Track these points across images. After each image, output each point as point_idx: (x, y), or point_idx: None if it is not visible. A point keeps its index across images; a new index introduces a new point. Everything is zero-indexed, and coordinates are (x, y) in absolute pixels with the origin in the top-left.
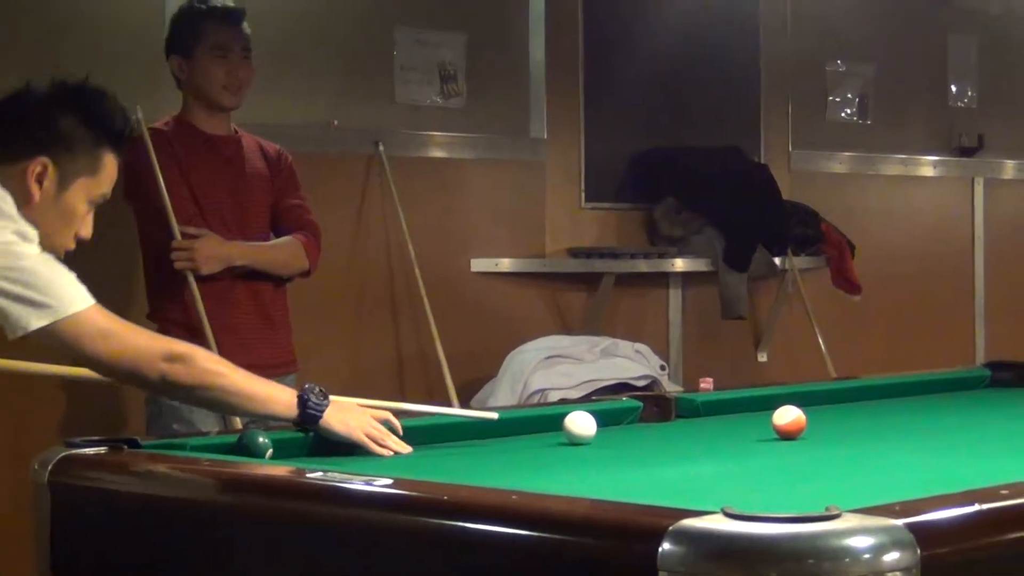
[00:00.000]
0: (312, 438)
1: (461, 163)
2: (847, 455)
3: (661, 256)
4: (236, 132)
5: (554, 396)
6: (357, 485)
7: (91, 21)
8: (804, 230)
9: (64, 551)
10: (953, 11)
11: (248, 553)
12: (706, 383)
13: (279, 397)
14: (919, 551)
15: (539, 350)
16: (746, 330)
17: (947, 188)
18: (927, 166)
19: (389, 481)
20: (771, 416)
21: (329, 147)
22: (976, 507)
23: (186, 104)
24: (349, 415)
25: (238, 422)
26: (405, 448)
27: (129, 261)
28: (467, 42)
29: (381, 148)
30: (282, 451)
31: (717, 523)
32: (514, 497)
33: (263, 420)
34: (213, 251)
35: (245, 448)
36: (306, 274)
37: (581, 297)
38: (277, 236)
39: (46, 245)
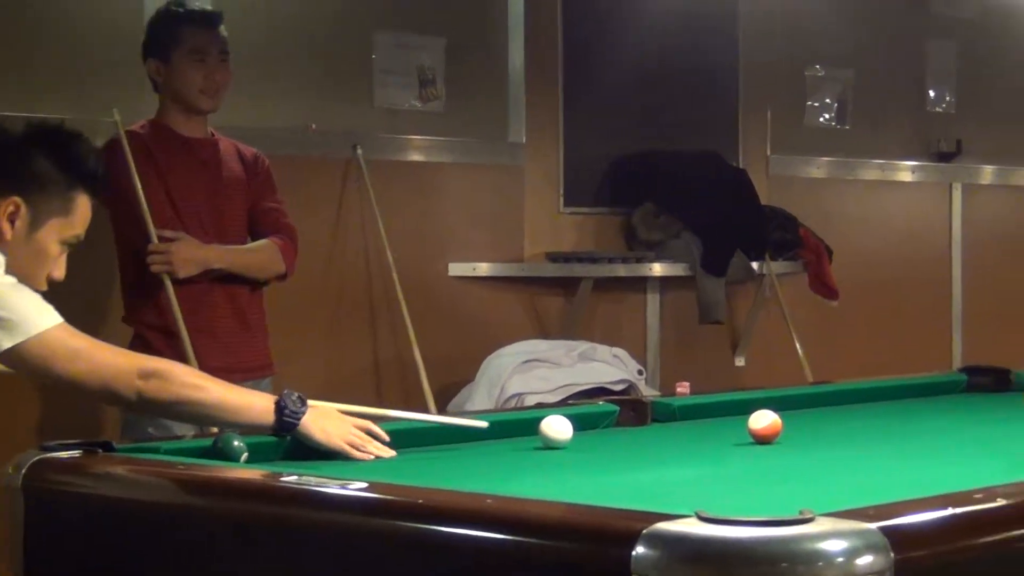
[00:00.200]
0: (288, 442)
1: (439, 167)
2: (822, 459)
3: (639, 261)
4: (213, 135)
5: (531, 400)
6: (332, 489)
7: (69, 24)
8: (782, 235)
9: (38, 555)
10: (931, 17)
11: (223, 557)
12: (682, 387)
13: (257, 405)
14: (892, 555)
15: (516, 354)
16: (723, 334)
17: (925, 193)
18: (905, 171)
19: (364, 485)
20: (747, 420)
21: (307, 150)
22: (950, 511)
23: (163, 107)
24: (328, 422)
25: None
26: (388, 453)
27: (105, 264)
28: (446, 46)
29: (359, 152)
30: (257, 455)
31: (691, 527)
32: (489, 501)
33: (242, 429)
34: (190, 254)
35: (220, 452)
36: (283, 277)
37: (559, 301)
38: (254, 239)
39: None
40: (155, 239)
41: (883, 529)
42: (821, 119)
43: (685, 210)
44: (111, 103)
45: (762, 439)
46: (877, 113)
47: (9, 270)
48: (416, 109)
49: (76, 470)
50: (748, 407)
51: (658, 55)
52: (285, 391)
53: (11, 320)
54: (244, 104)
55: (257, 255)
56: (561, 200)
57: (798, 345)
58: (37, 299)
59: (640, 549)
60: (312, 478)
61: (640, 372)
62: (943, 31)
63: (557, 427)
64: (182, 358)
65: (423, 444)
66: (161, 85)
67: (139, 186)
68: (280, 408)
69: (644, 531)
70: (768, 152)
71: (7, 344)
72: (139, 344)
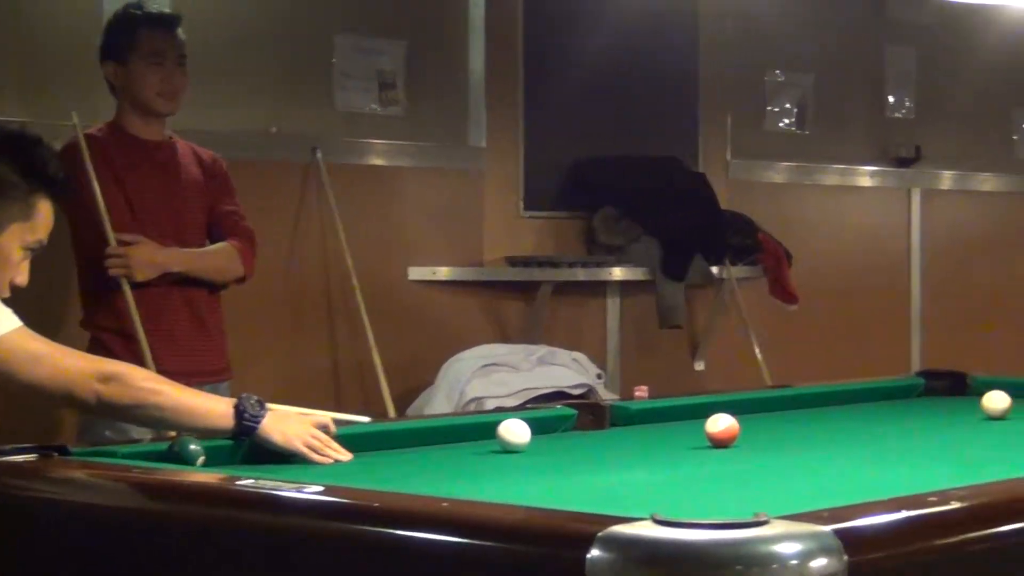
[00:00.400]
0: (246, 445)
1: (399, 171)
2: (779, 462)
3: (599, 265)
4: (171, 138)
5: (490, 404)
6: (288, 492)
7: (27, 26)
8: (741, 239)
9: None
10: (890, 22)
11: (180, 562)
12: (641, 391)
13: (216, 409)
14: (846, 557)
15: (476, 358)
16: (683, 339)
17: (884, 198)
18: (864, 176)
19: (320, 488)
20: (704, 424)
21: (267, 154)
22: (904, 514)
23: (121, 110)
24: (287, 424)
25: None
26: (345, 456)
27: (62, 268)
28: (407, 50)
29: (319, 155)
30: (214, 458)
31: (646, 529)
32: (444, 504)
33: (200, 433)
34: (148, 257)
35: (177, 455)
36: (241, 280)
37: (519, 306)
38: (212, 242)
39: None
40: (113, 242)
41: (837, 532)
42: (781, 124)
43: (645, 215)
44: (69, 106)
45: (719, 443)
46: (837, 118)
47: None
48: (376, 113)
49: (31, 474)
50: (706, 411)
51: (618, 60)
52: (244, 395)
53: None
54: (203, 107)
55: (215, 258)
56: (521, 204)
57: (757, 349)
58: None
59: (595, 552)
60: (268, 482)
61: (599, 376)
62: (902, 37)
63: (515, 431)
64: (140, 362)
65: (381, 447)
66: (118, 88)
67: (97, 189)
68: (240, 412)
69: (599, 534)
70: (728, 157)
71: None
72: (97, 348)
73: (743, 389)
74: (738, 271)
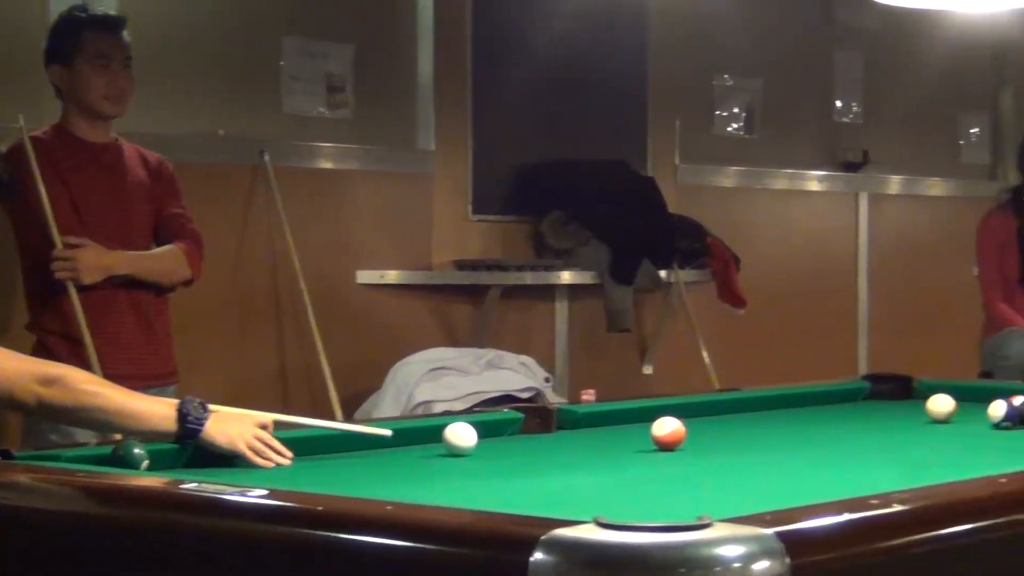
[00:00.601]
0: (189, 449)
1: (348, 174)
2: (724, 466)
3: (547, 269)
4: (117, 141)
5: (438, 408)
6: (232, 496)
7: None
8: (690, 243)
9: None
10: (838, 28)
11: (124, 566)
12: (588, 395)
13: (158, 412)
14: (788, 560)
15: (424, 362)
16: (632, 343)
17: (832, 203)
18: (813, 181)
19: (264, 492)
20: (651, 427)
21: (214, 156)
22: (846, 516)
23: (66, 113)
24: (230, 425)
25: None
26: (287, 458)
27: (7, 270)
28: (355, 53)
29: (267, 158)
30: (159, 462)
31: (589, 532)
32: (388, 507)
33: (145, 436)
34: (94, 260)
35: (121, 459)
36: (188, 283)
37: (467, 309)
38: (159, 245)
39: None
40: (59, 245)
41: (779, 534)
42: (729, 128)
43: (594, 219)
44: (15, 109)
45: (665, 446)
46: (785, 123)
47: None
48: (324, 116)
49: None
50: (653, 414)
51: (568, 64)
52: (186, 397)
53: None
54: (149, 110)
55: (162, 261)
56: (470, 208)
57: (705, 353)
58: None
59: (538, 555)
60: (212, 485)
61: (547, 380)
62: (849, 42)
63: (461, 434)
64: (86, 365)
65: (328, 451)
66: (64, 91)
67: (43, 192)
68: (183, 415)
69: (542, 537)
70: (676, 161)
71: None
72: (42, 351)
73: (691, 392)
74: (686, 275)
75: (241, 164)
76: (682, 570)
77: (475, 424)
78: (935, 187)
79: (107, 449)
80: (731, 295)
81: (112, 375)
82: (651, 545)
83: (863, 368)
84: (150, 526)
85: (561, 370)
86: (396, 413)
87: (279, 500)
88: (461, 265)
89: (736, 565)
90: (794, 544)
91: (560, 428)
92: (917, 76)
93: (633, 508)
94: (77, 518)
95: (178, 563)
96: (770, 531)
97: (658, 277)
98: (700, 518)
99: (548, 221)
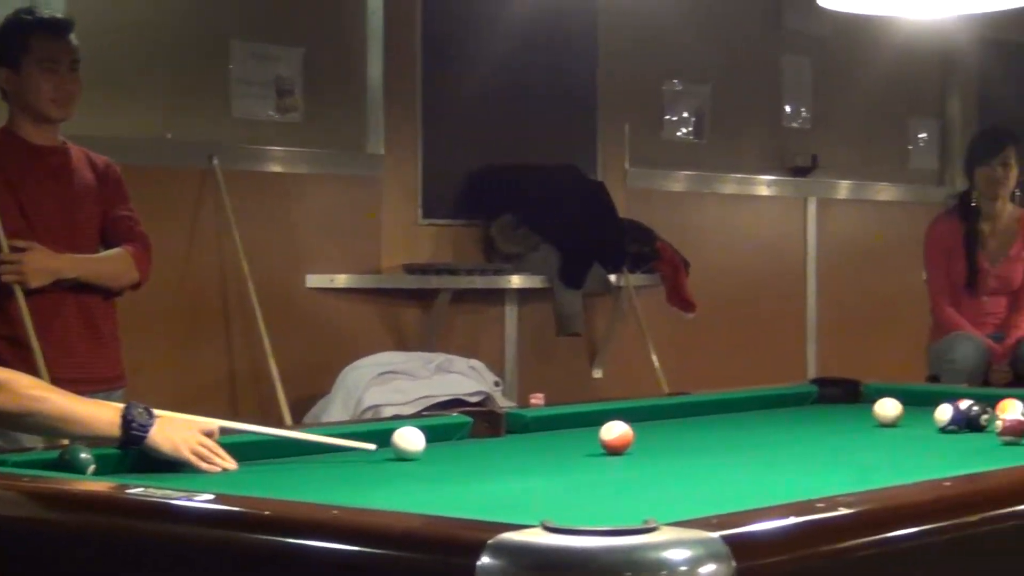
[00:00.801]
0: (136, 454)
1: (297, 178)
2: (672, 469)
3: (497, 273)
4: (65, 144)
5: (388, 412)
6: (178, 501)
7: None
8: (639, 248)
9: None
10: (787, 33)
11: (70, 571)
12: (536, 399)
13: (103, 417)
14: (734, 563)
15: (373, 366)
16: (581, 347)
17: (781, 207)
18: (762, 185)
19: (211, 496)
20: (599, 431)
21: (162, 160)
22: (792, 520)
23: (13, 116)
24: (174, 432)
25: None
26: (231, 464)
27: None
28: (304, 57)
29: (216, 162)
30: (106, 467)
31: (536, 536)
32: (335, 512)
33: (90, 441)
34: (42, 264)
35: (67, 464)
36: (136, 286)
37: (417, 313)
38: (106, 248)
39: None
40: (6, 248)
41: (725, 538)
42: (679, 133)
43: (543, 222)
44: None
45: (613, 450)
46: (734, 128)
47: None
48: (274, 120)
49: None
50: (602, 418)
51: (518, 68)
52: (131, 403)
53: None
54: (97, 113)
55: (110, 264)
56: (420, 212)
57: (654, 357)
58: None
59: (485, 559)
60: (158, 490)
61: (497, 384)
62: (798, 47)
63: (409, 438)
64: (32, 370)
65: (275, 456)
66: (11, 94)
67: None
68: (127, 421)
69: (489, 541)
70: (626, 165)
71: None
72: None
73: (640, 396)
74: (636, 279)
75: (190, 168)
76: (628, 574)
77: (423, 428)
78: (883, 192)
79: (54, 454)
80: (680, 299)
81: (58, 379)
82: (597, 549)
83: (812, 372)
84: (96, 531)
85: (511, 374)
86: (345, 417)
87: (226, 505)
88: (411, 269)
89: (682, 569)
90: (740, 547)
91: (509, 432)
92: (865, 82)
93: (580, 512)
94: (23, 523)
95: (124, 568)
96: (716, 535)
97: (608, 281)
98: (646, 522)
99: (498, 225)
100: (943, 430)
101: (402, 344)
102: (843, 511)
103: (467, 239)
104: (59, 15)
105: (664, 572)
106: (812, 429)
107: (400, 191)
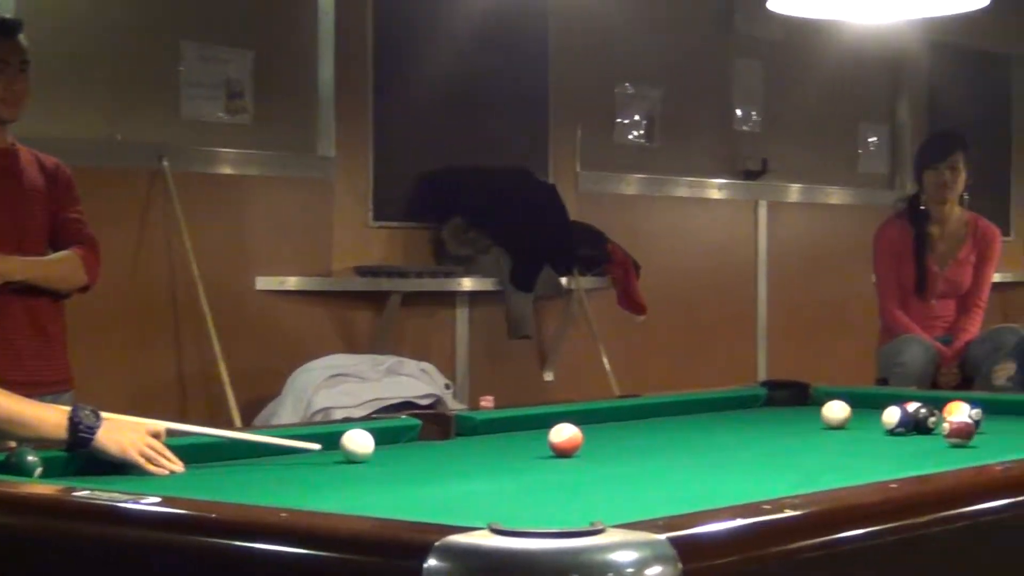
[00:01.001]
0: (83, 456)
1: (247, 180)
2: (620, 472)
3: (448, 275)
4: (14, 145)
5: (338, 415)
6: (125, 503)
7: None
8: (590, 250)
9: None
10: (738, 37)
11: (15, 574)
12: (486, 401)
13: (49, 419)
14: (681, 565)
15: (323, 369)
16: (532, 349)
17: (732, 211)
18: (713, 189)
19: (157, 499)
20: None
21: (111, 161)
22: (738, 522)
23: None
24: (122, 434)
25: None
26: (178, 466)
27: None
28: (255, 59)
29: (165, 163)
30: (53, 469)
31: (482, 539)
32: (283, 515)
33: (37, 443)
34: None
35: (14, 466)
36: (85, 289)
37: (368, 315)
38: (55, 250)
39: None
40: None
41: (672, 540)
42: (630, 136)
43: (494, 225)
44: None
45: (562, 452)
46: (685, 131)
47: None
48: (224, 121)
49: None
50: (551, 421)
51: (469, 71)
52: (78, 405)
53: None
54: (46, 114)
55: (58, 266)
56: (370, 214)
57: (605, 360)
58: None
59: (432, 561)
60: (105, 493)
61: (448, 386)
62: (749, 51)
63: (358, 441)
64: None
65: (222, 458)
66: None
67: None
68: (74, 423)
69: (436, 543)
70: (577, 168)
71: None
72: None
73: (590, 399)
74: (587, 282)
75: (139, 169)
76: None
77: (372, 431)
78: (833, 196)
79: (0, 456)
80: (631, 302)
81: (5, 382)
82: (544, 551)
83: (761, 375)
84: (43, 534)
85: (461, 377)
86: (295, 420)
87: (173, 508)
88: (361, 271)
89: (629, 571)
90: (686, 549)
91: (458, 435)
92: (816, 86)
93: (527, 514)
94: None
95: (71, 571)
96: (662, 536)
97: (559, 284)
98: (593, 524)
99: (449, 228)
100: (891, 432)
101: (353, 346)
102: (790, 513)
103: (418, 241)
104: (8, 15)
105: (610, 574)
106: (761, 431)
107: (351, 193)
